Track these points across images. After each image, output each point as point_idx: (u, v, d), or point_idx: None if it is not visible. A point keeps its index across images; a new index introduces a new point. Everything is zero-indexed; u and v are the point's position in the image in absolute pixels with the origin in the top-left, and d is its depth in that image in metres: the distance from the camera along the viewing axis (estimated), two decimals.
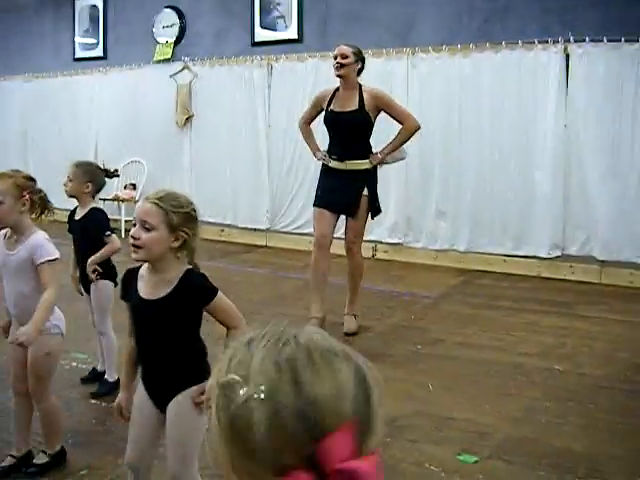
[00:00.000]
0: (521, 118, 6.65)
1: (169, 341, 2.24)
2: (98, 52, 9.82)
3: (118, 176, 4.30)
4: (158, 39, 9.05)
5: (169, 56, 8.97)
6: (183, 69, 8.82)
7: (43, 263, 2.78)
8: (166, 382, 2.26)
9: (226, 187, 8.61)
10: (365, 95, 4.84)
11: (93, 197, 3.88)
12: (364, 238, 5.24)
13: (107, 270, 3.80)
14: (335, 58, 4.88)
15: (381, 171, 7.30)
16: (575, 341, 4.82)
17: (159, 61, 9.05)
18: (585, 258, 6.49)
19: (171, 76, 8.86)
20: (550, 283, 6.49)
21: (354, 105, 4.83)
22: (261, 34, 8.30)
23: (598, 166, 6.33)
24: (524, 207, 6.71)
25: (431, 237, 7.29)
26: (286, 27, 8.11)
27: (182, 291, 2.23)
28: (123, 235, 8.32)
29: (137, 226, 2.22)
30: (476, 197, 6.97)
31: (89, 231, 3.73)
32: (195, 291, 2.26)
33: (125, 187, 9.11)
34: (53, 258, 2.81)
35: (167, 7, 8.95)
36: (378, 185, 5.10)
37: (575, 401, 3.79)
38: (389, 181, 7.42)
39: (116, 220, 8.21)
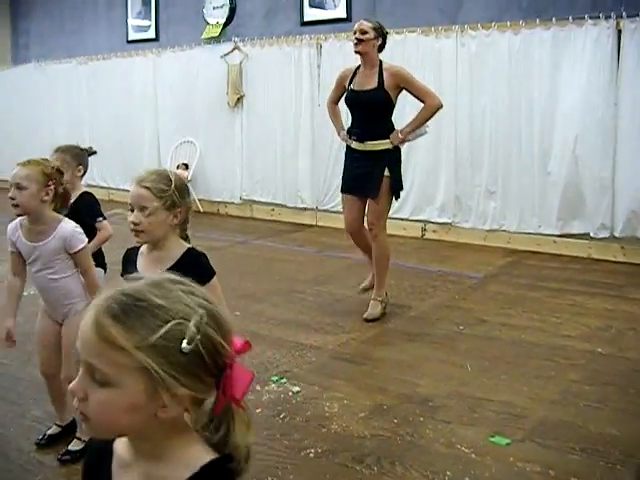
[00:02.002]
0: (572, 96, 6.49)
1: None
2: (150, 34, 9.96)
3: (95, 153, 3.95)
4: (208, 20, 9.11)
5: (217, 35, 9.03)
6: (234, 50, 8.87)
7: (78, 252, 2.90)
8: None
9: (276, 166, 8.67)
10: (385, 73, 4.68)
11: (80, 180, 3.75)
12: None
13: (97, 257, 3.49)
14: (354, 34, 4.73)
15: (431, 150, 7.31)
16: (621, 324, 4.73)
17: (208, 39, 9.11)
18: (637, 239, 6.34)
19: (222, 57, 8.92)
20: (600, 265, 6.37)
21: (373, 83, 4.68)
22: (310, 13, 8.29)
23: None
24: (573, 187, 6.57)
25: (480, 217, 7.23)
26: (335, 6, 8.08)
27: (181, 269, 2.27)
28: None
29: (135, 211, 2.27)
30: (526, 176, 6.86)
31: (81, 216, 3.25)
32: (194, 270, 2.31)
33: (177, 167, 9.23)
34: (85, 245, 2.94)
35: None
36: (402, 164, 4.98)
37: (615, 385, 3.73)
38: (439, 160, 7.38)
39: None
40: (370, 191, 4.79)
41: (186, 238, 2.43)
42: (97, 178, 10.11)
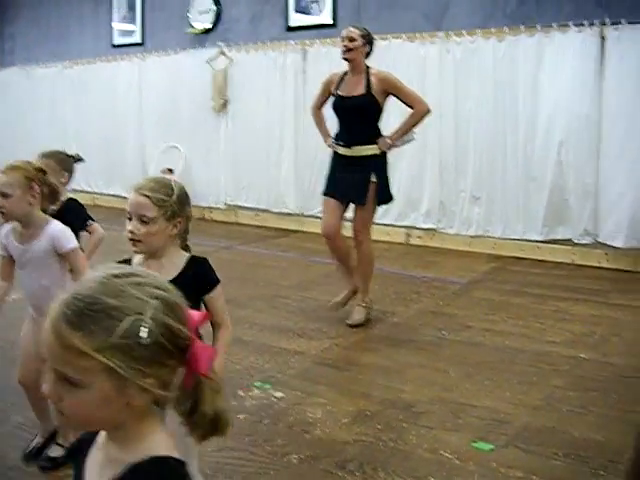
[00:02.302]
0: (556, 103, 6.52)
1: None
2: (136, 38, 9.93)
3: (82, 160, 3.88)
4: (194, 25, 9.10)
5: (199, 32, 9.07)
6: (219, 55, 8.85)
7: (68, 252, 2.86)
8: None
9: (261, 172, 8.64)
10: (372, 79, 4.67)
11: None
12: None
13: None
14: (342, 41, 4.72)
15: (416, 156, 7.31)
16: (604, 330, 4.74)
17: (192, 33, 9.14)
18: (620, 246, 6.36)
19: (207, 62, 8.89)
20: (584, 270, 6.39)
21: (361, 89, 4.66)
22: (295, 19, 8.29)
23: (632, 152, 6.16)
24: (558, 193, 6.59)
25: (465, 223, 7.24)
26: (320, 11, 8.08)
27: (188, 276, 2.22)
28: None
29: (134, 220, 2.19)
30: (511, 182, 6.88)
31: (69, 224, 3.10)
32: (201, 278, 2.26)
33: (162, 172, 9.19)
34: (76, 246, 2.90)
35: None
36: (389, 170, 4.92)
37: (599, 391, 3.74)
38: (424, 166, 7.39)
39: None
40: (357, 198, 4.75)
41: (186, 248, 2.37)
42: (82, 183, 10.05)
